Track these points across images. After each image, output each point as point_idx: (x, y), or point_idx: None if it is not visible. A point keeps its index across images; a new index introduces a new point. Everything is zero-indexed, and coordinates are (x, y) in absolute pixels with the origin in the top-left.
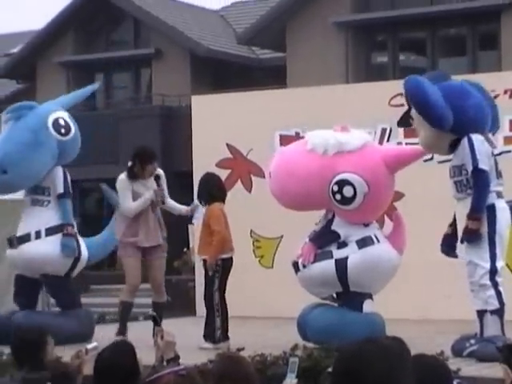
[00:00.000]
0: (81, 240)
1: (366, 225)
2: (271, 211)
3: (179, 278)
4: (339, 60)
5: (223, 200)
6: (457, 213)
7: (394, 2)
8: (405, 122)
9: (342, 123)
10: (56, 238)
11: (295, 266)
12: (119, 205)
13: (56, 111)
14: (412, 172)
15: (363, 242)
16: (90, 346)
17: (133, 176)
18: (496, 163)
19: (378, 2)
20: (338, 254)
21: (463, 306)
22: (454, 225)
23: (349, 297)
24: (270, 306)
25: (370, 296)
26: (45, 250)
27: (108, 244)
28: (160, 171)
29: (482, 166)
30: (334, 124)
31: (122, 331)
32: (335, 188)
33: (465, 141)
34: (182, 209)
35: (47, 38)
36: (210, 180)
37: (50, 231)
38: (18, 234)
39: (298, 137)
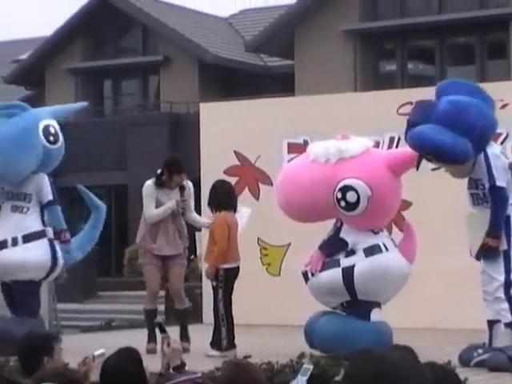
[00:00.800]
0: (57, 246)
1: (376, 232)
2: (278, 219)
3: (186, 285)
4: (348, 68)
5: (234, 208)
6: (470, 223)
7: (402, 10)
8: (421, 162)
9: (350, 131)
10: (34, 245)
11: (305, 275)
12: (98, 208)
13: (48, 118)
14: (420, 181)
15: (371, 250)
16: (97, 353)
17: (159, 184)
18: None
19: (386, 11)
20: (346, 262)
21: (472, 315)
22: None
23: (356, 305)
24: (276, 313)
25: (378, 305)
26: (21, 256)
27: (89, 244)
28: (189, 183)
29: (500, 183)
30: (342, 132)
31: (150, 338)
32: (339, 195)
33: (481, 157)
34: (202, 222)
35: (56, 45)
36: (220, 187)
37: (28, 238)
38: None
39: (306, 144)
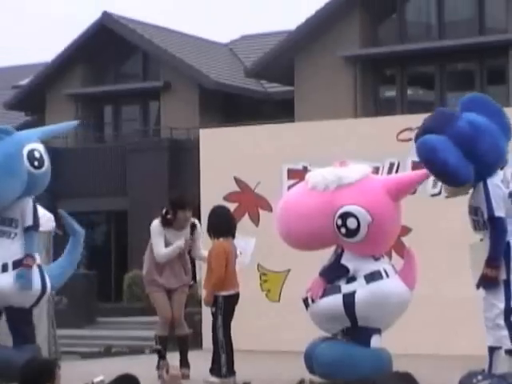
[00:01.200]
0: (45, 272)
1: (377, 259)
2: (278, 245)
3: (186, 310)
4: (347, 94)
5: (233, 234)
6: (472, 253)
7: (402, 36)
8: None
9: (350, 157)
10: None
11: (305, 301)
12: (76, 233)
13: (33, 142)
14: (419, 207)
15: (371, 277)
16: (96, 380)
17: (165, 223)
18: None
19: (386, 37)
20: (346, 288)
21: (472, 342)
22: None
23: (357, 332)
24: (276, 339)
25: (378, 331)
26: (11, 282)
27: (68, 271)
28: (196, 222)
29: (498, 213)
30: (341, 158)
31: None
32: (339, 222)
33: (480, 185)
34: (205, 258)
35: (56, 70)
36: (219, 213)
37: (18, 264)
38: None
39: (305, 170)
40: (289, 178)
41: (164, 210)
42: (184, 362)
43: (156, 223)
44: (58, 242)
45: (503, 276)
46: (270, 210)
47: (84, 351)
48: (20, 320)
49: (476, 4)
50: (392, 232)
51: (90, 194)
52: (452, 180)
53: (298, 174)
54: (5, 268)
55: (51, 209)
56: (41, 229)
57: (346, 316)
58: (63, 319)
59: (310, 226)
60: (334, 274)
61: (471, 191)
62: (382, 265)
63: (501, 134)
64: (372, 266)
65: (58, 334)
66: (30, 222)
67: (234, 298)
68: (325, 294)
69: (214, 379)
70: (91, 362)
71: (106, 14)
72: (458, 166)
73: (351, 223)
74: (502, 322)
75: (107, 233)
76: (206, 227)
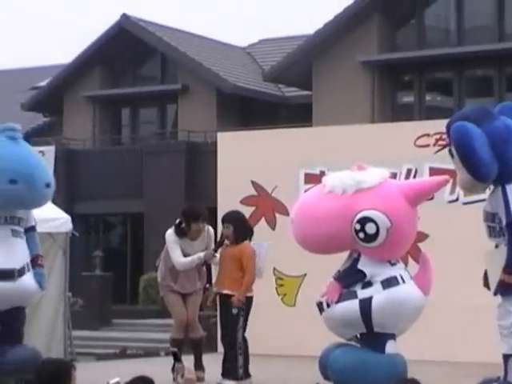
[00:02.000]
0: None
1: (393, 264)
2: (295, 249)
3: (201, 313)
4: (365, 99)
5: (251, 238)
6: (488, 259)
7: (420, 42)
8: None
9: (367, 163)
10: (32, 271)
11: (320, 306)
12: None
13: None
14: (437, 213)
15: (388, 283)
16: (112, 382)
17: (179, 233)
18: None
19: (405, 42)
20: (363, 293)
21: (487, 349)
22: None
23: (372, 337)
24: (291, 344)
25: (393, 337)
26: (34, 283)
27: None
28: (209, 229)
29: None
30: (359, 163)
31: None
32: (357, 226)
33: (499, 191)
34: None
35: (74, 72)
36: (242, 217)
37: (31, 264)
38: (15, 266)
39: (322, 175)
40: (306, 182)
41: (177, 221)
42: (198, 365)
43: (171, 233)
44: (75, 244)
45: None
46: (287, 214)
47: (99, 353)
48: (22, 320)
49: (496, 10)
50: (409, 237)
51: (106, 196)
52: (476, 170)
53: (314, 179)
54: (28, 267)
55: (68, 211)
56: (58, 230)
57: (361, 321)
58: (79, 320)
59: (327, 230)
60: (351, 278)
61: (487, 196)
62: (398, 270)
63: None
64: (388, 272)
65: (74, 336)
66: (32, 222)
67: (252, 300)
68: (341, 299)
69: (230, 382)
70: (106, 363)
71: (124, 17)
72: (485, 159)
73: (370, 228)
74: None
75: (123, 235)
76: (233, 233)
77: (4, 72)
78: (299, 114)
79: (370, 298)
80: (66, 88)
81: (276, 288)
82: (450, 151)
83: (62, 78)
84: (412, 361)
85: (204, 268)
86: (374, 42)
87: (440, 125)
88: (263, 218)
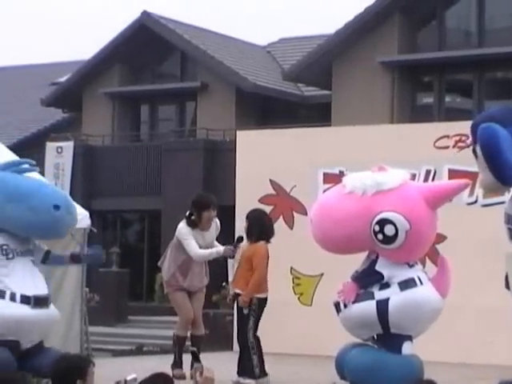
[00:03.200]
0: None
1: (411, 266)
2: (312, 248)
3: (217, 311)
4: (384, 100)
5: (269, 239)
6: (510, 262)
7: (441, 43)
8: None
9: (386, 164)
10: None
11: (337, 306)
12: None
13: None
14: (455, 215)
15: (406, 284)
16: (129, 378)
17: (190, 225)
18: None
19: (425, 44)
20: (380, 295)
21: (505, 351)
22: None
23: (388, 338)
24: (308, 343)
25: (409, 338)
26: (56, 310)
27: None
28: (217, 220)
29: None
30: (377, 164)
31: (177, 364)
32: (376, 228)
33: None
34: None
35: (94, 69)
36: (261, 217)
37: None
38: (46, 292)
39: (341, 175)
40: (324, 182)
41: (188, 213)
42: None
43: (183, 225)
44: (93, 240)
45: None
46: (305, 213)
47: (115, 349)
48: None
49: None
50: (428, 240)
51: (124, 192)
52: (502, 172)
53: (333, 179)
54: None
55: (86, 207)
56: (76, 226)
57: (378, 322)
58: (95, 317)
59: (347, 231)
60: (368, 279)
61: (507, 199)
62: (416, 272)
63: None
64: (406, 273)
65: (90, 332)
66: (44, 246)
67: (266, 301)
68: (358, 299)
69: (248, 381)
70: (122, 360)
71: (145, 14)
72: (511, 163)
73: (389, 230)
74: None
75: (141, 232)
76: (246, 230)
77: (24, 67)
78: (318, 114)
79: (388, 300)
80: (85, 84)
81: (293, 287)
82: (473, 151)
83: (82, 74)
84: (429, 362)
85: (207, 266)
86: (395, 43)
87: (460, 126)
88: (281, 218)
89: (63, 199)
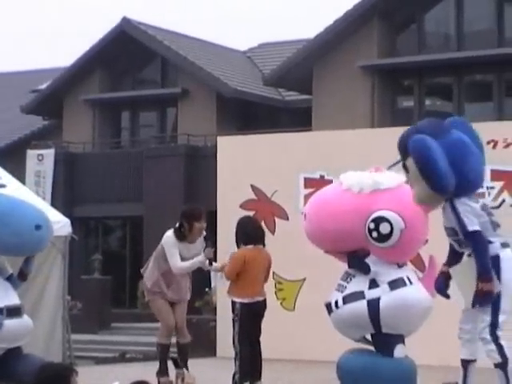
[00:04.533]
0: None
1: (400, 266)
2: (294, 254)
3: (200, 317)
4: (365, 104)
5: (257, 243)
6: (457, 274)
7: (420, 47)
8: (394, 166)
9: (367, 167)
10: None
11: (328, 307)
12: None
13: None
14: (437, 217)
15: (395, 284)
16: None
17: (179, 237)
18: (490, 215)
19: (404, 47)
20: (370, 294)
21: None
22: (448, 263)
23: (381, 340)
24: (290, 348)
25: (401, 340)
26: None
27: None
28: (203, 234)
29: (472, 227)
30: (358, 168)
31: (163, 371)
32: (372, 225)
33: (447, 206)
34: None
35: (74, 76)
36: (245, 222)
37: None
38: (18, 302)
39: (322, 180)
40: (305, 186)
41: (178, 224)
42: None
43: (170, 235)
44: (74, 247)
45: (498, 288)
46: (287, 218)
47: (98, 356)
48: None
49: (495, 15)
50: (420, 241)
51: (105, 199)
52: (437, 182)
53: (314, 183)
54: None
55: (68, 214)
56: (57, 233)
57: (370, 322)
58: (77, 324)
59: (341, 225)
60: (356, 262)
61: (442, 213)
62: (406, 272)
63: (482, 158)
64: (396, 273)
65: (72, 339)
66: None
67: (253, 307)
68: (348, 300)
69: None
70: (105, 367)
71: (125, 20)
72: (445, 171)
73: (384, 228)
74: (487, 335)
75: (122, 238)
76: (235, 238)
77: (4, 74)
78: (299, 118)
79: (378, 299)
80: (65, 91)
81: (275, 292)
82: (404, 166)
83: (62, 81)
84: (437, 367)
85: (189, 273)
86: (374, 47)
87: None
88: (263, 223)
89: (42, 217)
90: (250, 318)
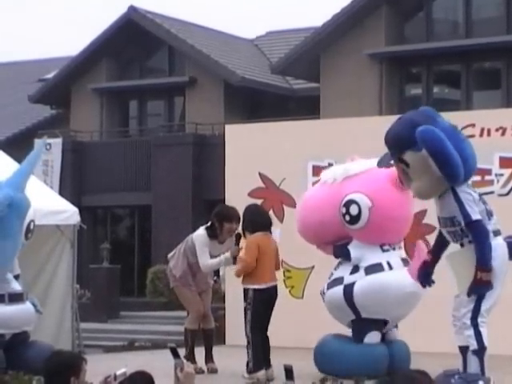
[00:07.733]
0: None
1: (385, 250)
2: (302, 241)
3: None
4: (373, 91)
5: (265, 230)
6: (454, 262)
7: (428, 34)
8: (386, 162)
9: (375, 155)
10: None
11: (322, 294)
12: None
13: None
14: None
15: (372, 269)
16: (118, 372)
17: (211, 235)
18: (485, 203)
19: (412, 35)
20: (348, 279)
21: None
22: (433, 252)
23: (356, 325)
24: (299, 336)
25: (378, 326)
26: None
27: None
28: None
29: (475, 216)
30: (366, 156)
31: (191, 358)
32: (343, 210)
33: (450, 195)
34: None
35: (82, 65)
36: (252, 210)
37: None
38: (20, 289)
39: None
40: (314, 174)
41: (209, 223)
42: (209, 357)
43: (202, 233)
44: (82, 236)
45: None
46: (295, 206)
47: (107, 345)
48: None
49: (504, 2)
50: (396, 219)
51: (114, 188)
52: (455, 170)
53: (323, 171)
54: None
55: (76, 203)
56: (66, 222)
57: (347, 306)
58: (86, 313)
59: (320, 217)
60: (339, 250)
61: (437, 202)
62: (388, 257)
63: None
64: (376, 258)
65: (81, 328)
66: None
67: (266, 293)
68: (330, 285)
69: (245, 374)
70: (114, 355)
71: (132, 8)
72: (459, 163)
73: (353, 210)
74: (468, 321)
75: (131, 227)
76: (241, 225)
77: (11, 64)
78: (307, 107)
79: (353, 284)
80: (73, 80)
81: (284, 280)
82: (400, 160)
83: (70, 70)
84: (433, 353)
85: None
86: (382, 35)
87: (448, 117)
88: (271, 211)
89: None
90: (263, 304)
